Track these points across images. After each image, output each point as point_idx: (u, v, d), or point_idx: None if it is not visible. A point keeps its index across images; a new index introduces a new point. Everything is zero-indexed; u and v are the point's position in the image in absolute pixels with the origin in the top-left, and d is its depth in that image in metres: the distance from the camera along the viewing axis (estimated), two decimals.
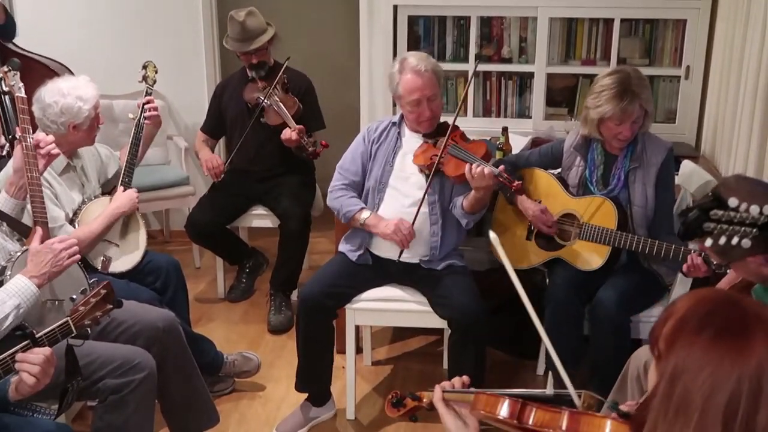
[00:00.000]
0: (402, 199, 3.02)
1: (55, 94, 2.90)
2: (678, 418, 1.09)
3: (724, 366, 1.08)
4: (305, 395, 3.15)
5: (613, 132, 2.89)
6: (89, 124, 2.97)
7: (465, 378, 1.78)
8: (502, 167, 2.86)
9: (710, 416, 1.07)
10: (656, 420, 1.12)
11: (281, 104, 3.82)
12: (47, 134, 2.78)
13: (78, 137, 2.99)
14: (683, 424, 1.08)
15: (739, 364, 1.07)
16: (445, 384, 1.76)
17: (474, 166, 2.81)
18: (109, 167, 3.26)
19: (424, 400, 1.81)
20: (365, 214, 3.02)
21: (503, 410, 1.54)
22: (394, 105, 4.24)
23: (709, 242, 1.74)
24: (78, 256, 2.43)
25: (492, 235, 1.96)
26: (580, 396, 1.68)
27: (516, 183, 2.80)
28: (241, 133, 3.95)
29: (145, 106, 3.27)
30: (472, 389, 1.70)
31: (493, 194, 3.17)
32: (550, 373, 3.14)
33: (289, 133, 3.72)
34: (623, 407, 1.49)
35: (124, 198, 3.08)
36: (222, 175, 4.02)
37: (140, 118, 3.25)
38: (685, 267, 2.66)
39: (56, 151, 2.68)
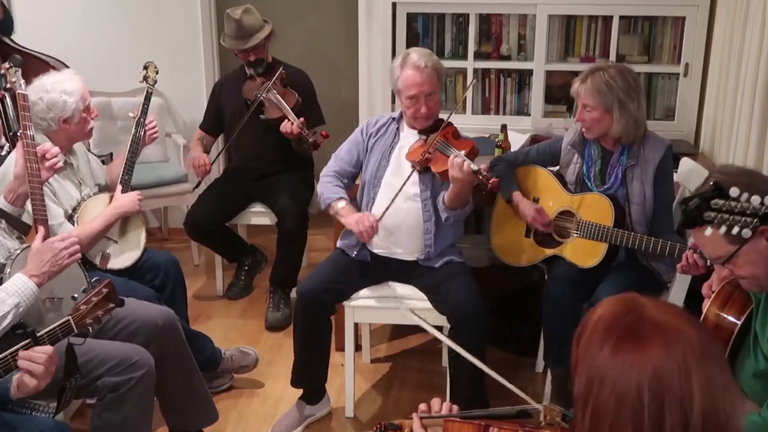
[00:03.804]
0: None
1: (39, 90, 2.88)
2: None
3: (623, 377, 1.07)
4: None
5: None
6: (79, 117, 2.94)
7: (446, 404, 1.83)
8: (483, 165, 2.85)
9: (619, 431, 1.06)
10: None
11: (281, 98, 3.82)
12: (41, 131, 2.79)
13: (71, 131, 2.96)
14: None
15: (636, 373, 1.06)
16: (423, 407, 1.82)
17: (453, 156, 2.81)
18: (99, 177, 3.23)
19: (405, 430, 1.85)
20: (341, 204, 3.08)
21: None
22: (393, 102, 4.25)
23: (708, 231, 1.74)
24: (78, 255, 2.42)
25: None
26: (542, 409, 1.71)
27: (492, 180, 2.78)
28: (240, 130, 3.95)
29: (147, 127, 3.25)
30: (444, 414, 1.77)
31: (492, 193, 3.18)
32: (549, 371, 3.15)
33: (289, 126, 3.72)
34: None
35: (125, 199, 3.07)
36: (207, 174, 4.00)
37: (140, 118, 3.24)
38: (679, 266, 2.65)
39: (60, 165, 2.68)
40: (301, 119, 3.73)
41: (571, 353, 1.20)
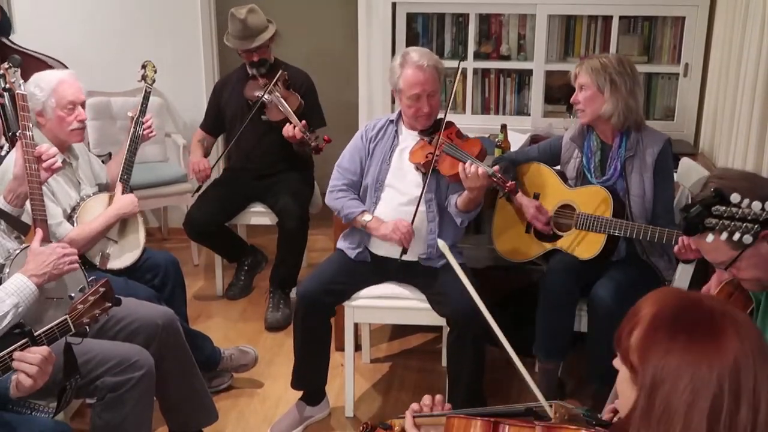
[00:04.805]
0: (399, 197, 3.02)
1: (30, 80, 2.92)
2: (660, 429, 1.10)
3: (702, 369, 1.09)
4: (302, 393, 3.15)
5: None
6: (54, 114, 2.91)
7: (438, 396, 1.77)
8: (496, 167, 2.86)
9: (694, 423, 1.08)
10: None
11: (283, 100, 3.82)
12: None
13: (50, 127, 2.93)
14: None
15: (717, 365, 1.08)
16: (415, 407, 1.75)
17: (468, 165, 2.81)
18: (100, 177, 3.24)
19: (396, 428, 1.79)
20: (367, 218, 3.02)
21: None
22: (393, 102, 4.25)
23: (710, 238, 1.74)
24: (76, 266, 2.45)
25: (440, 242, 2.02)
26: (551, 407, 1.67)
27: (510, 183, 2.80)
28: (240, 130, 3.95)
29: (144, 126, 3.24)
30: (443, 412, 1.70)
31: (493, 192, 3.18)
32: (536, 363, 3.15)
33: (291, 130, 3.72)
34: (605, 414, 1.48)
35: (126, 201, 3.07)
36: (207, 180, 4.00)
37: (138, 117, 3.24)
38: (676, 248, 2.67)
39: (57, 165, 2.67)
40: (303, 123, 3.72)
41: (618, 344, 1.21)
